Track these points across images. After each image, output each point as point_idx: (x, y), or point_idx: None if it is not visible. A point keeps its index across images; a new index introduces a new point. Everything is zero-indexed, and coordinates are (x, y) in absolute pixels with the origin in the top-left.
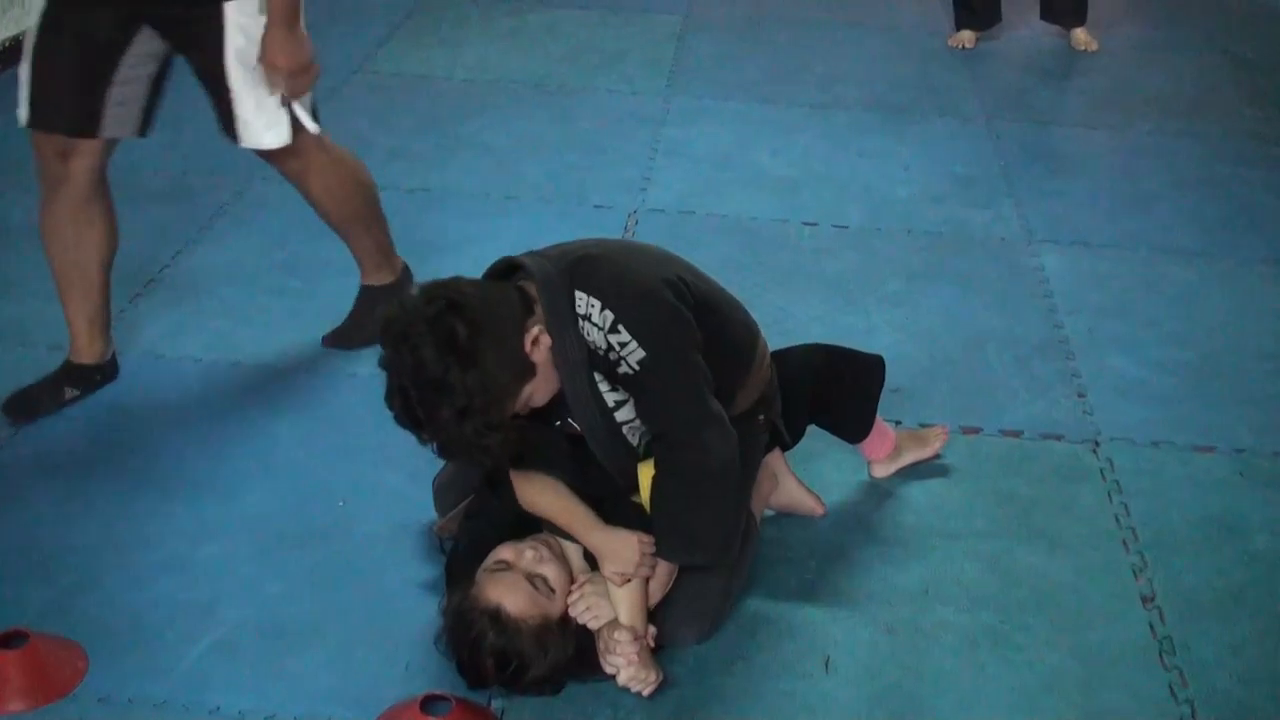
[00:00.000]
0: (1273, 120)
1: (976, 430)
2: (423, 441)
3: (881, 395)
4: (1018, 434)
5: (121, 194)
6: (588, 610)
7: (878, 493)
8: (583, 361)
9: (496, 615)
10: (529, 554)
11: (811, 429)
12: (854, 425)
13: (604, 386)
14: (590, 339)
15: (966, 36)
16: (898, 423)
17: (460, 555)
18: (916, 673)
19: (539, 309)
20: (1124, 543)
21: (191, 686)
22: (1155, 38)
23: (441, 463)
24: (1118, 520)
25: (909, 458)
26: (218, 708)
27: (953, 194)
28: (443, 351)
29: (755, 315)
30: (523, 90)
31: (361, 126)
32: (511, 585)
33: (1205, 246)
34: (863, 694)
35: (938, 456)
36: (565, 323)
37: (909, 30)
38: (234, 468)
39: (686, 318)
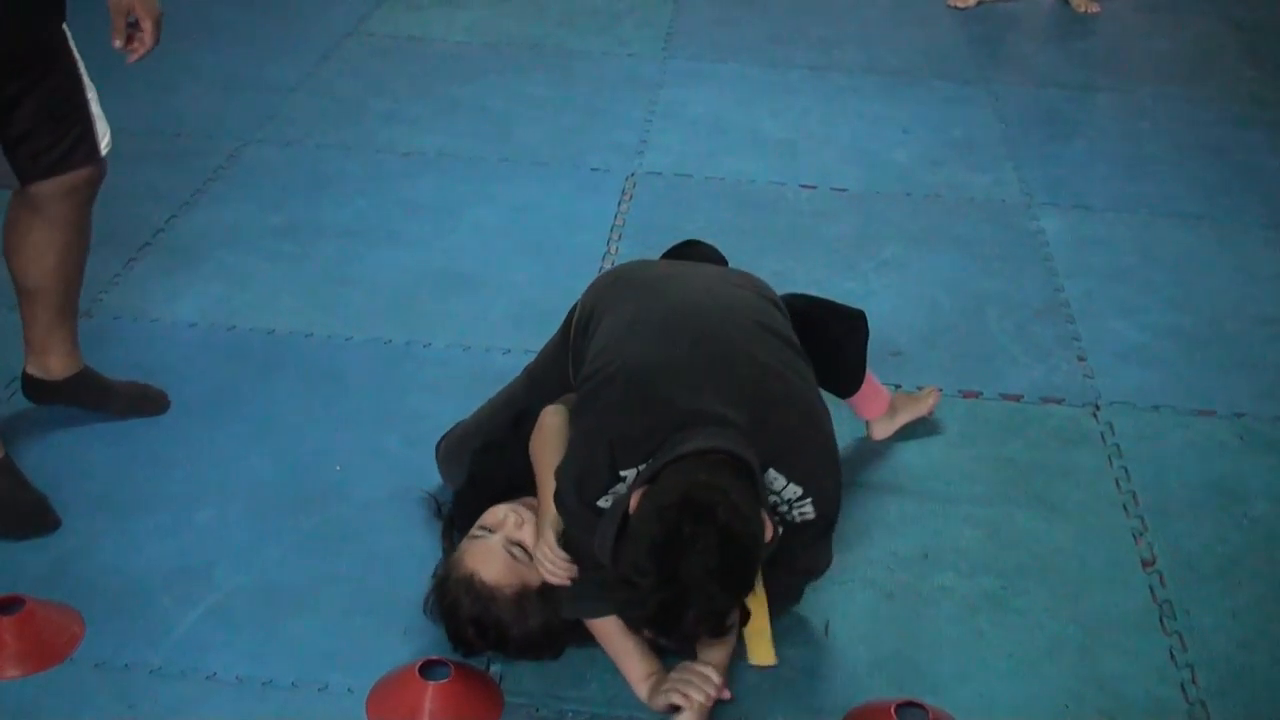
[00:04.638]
0: (1273, 83)
1: (976, 394)
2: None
3: (873, 358)
4: (1018, 398)
5: (115, 156)
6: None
7: (876, 458)
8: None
9: (470, 583)
10: (510, 519)
11: None
12: (846, 378)
13: None
14: (771, 504)
15: None
16: (897, 387)
17: (454, 521)
18: (916, 638)
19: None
20: (1124, 507)
21: (188, 651)
22: (1155, 0)
23: (443, 429)
24: (1118, 484)
25: (905, 416)
26: (214, 673)
27: (952, 157)
28: (730, 594)
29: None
30: (518, 52)
31: (356, 89)
32: (487, 553)
33: (1206, 210)
34: (862, 659)
35: (932, 414)
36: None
37: None
38: (230, 432)
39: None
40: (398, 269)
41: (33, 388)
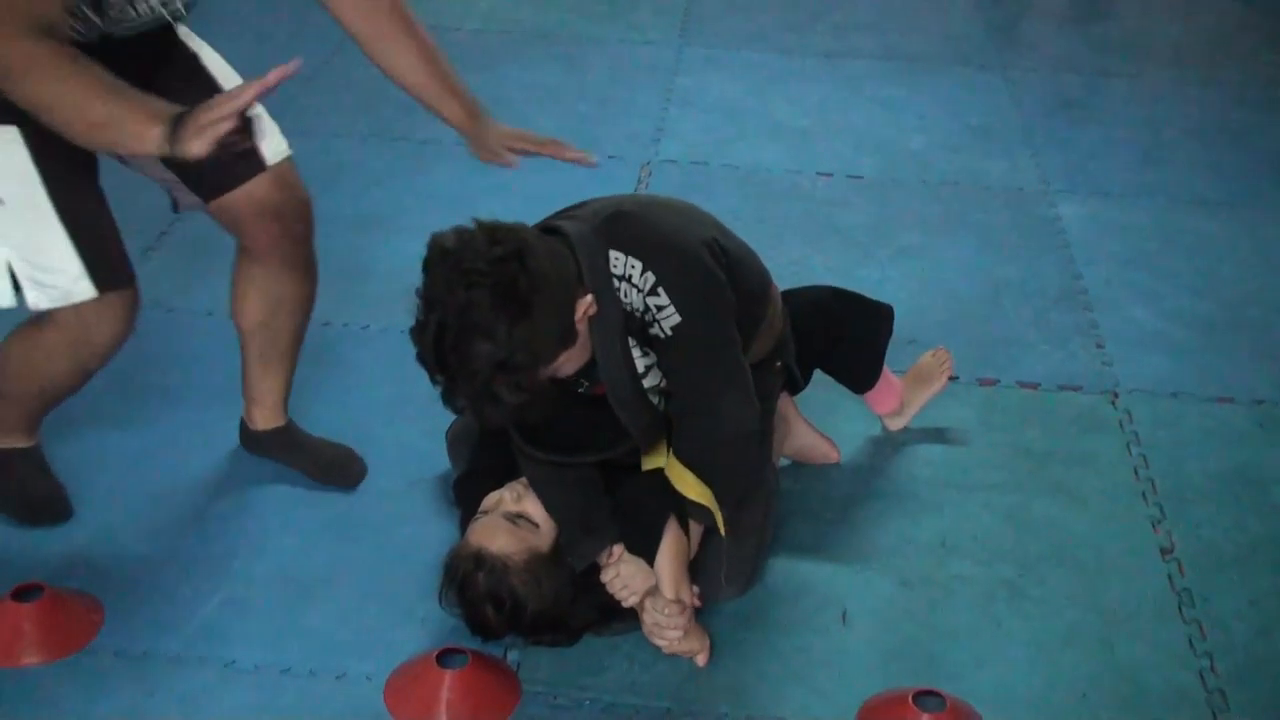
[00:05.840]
0: None
1: (994, 382)
2: (436, 383)
3: (890, 345)
4: (1035, 386)
5: None
6: (624, 587)
7: (893, 445)
8: (620, 324)
9: (479, 558)
10: (507, 496)
11: (825, 382)
12: (861, 374)
13: (636, 351)
14: (627, 300)
15: None
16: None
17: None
18: (933, 627)
19: (583, 273)
20: (1143, 495)
21: (207, 640)
22: None
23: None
24: (1136, 472)
25: (920, 400)
26: (233, 661)
27: (969, 144)
28: (499, 299)
29: (769, 267)
30: (533, 41)
31: (371, 79)
32: (489, 527)
33: (1224, 196)
34: (879, 648)
35: (946, 386)
36: (603, 284)
37: None
38: None
39: (723, 283)
40: (415, 259)
41: (242, 433)
